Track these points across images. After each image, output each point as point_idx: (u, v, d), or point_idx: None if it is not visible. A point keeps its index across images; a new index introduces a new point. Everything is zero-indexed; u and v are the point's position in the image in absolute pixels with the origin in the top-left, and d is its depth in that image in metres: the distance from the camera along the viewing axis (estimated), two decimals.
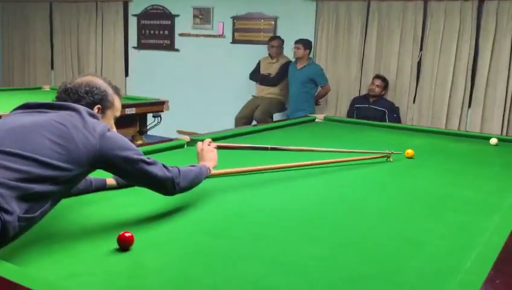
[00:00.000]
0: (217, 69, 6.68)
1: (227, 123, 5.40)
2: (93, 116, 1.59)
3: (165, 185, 1.66)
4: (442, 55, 5.19)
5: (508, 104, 4.93)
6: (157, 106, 4.98)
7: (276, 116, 5.90)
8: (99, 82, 1.68)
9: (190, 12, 6.71)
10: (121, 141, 1.58)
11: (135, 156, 1.58)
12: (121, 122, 4.64)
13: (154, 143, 2.83)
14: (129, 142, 1.61)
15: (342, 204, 2.05)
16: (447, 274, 1.37)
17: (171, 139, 2.98)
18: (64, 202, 1.70)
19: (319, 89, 5.63)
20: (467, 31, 5.06)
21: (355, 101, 5.57)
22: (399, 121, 5.36)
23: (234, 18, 6.44)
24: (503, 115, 4.94)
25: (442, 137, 3.79)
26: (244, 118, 5.78)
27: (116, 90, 1.74)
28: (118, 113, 1.75)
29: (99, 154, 1.51)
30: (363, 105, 5.44)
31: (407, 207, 2.04)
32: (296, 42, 5.54)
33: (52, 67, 7.88)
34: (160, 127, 4.97)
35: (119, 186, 2.01)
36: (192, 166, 1.83)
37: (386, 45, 5.48)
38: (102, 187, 1.97)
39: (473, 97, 5.13)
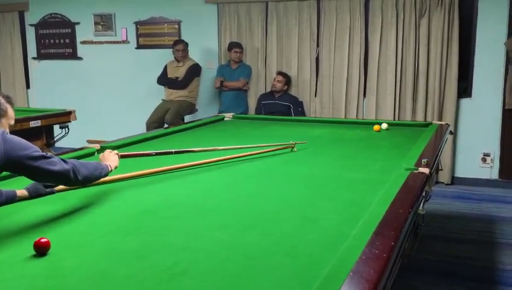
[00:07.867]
0: (123, 75, 6.65)
1: (138, 129, 5.40)
2: None
3: (67, 176, 1.80)
4: (337, 50, 5.58)
5: (398, 91, 5.41)
6: (64, 117, 4.90)
7: (187, 119, 6.00)
8: None
9: (91, 19, 6.62)
10: (21, 141, 1.72)
11: (36, 153, 1.71)
12: (26, 136, 4.58)
13: (64, 153, 2.83)
14: (27, 142, 1.74)
15: (246, 193, 2.22)
16: (337, 242, 1.57)
17: (81, 148, 2.99)
18: None
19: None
20: (357, 26, 5.48)
21: (261, 97, 5.83)
22: (304, 114, 5.69)
23: (137, 23, 6.45)
24: (394, 101, 5.42)
25: (340, 126, 4.13)
26: (155, 122, 5.84)
27: (8, 99, 1.85)
28: (12, 122, 1.86)
29: (5, 157, 1.63)
30: (269, 101, 5.71)
31: (305, 190, 2.26)
32: (235, 46, 5.75)
33: None
34: (68, 138, 4.89)
35: (30, 197, 2.05)
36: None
37: (286, 43, 5.78)
38: (12, 199, 2.00)
39: (366, 87, 5.57)
